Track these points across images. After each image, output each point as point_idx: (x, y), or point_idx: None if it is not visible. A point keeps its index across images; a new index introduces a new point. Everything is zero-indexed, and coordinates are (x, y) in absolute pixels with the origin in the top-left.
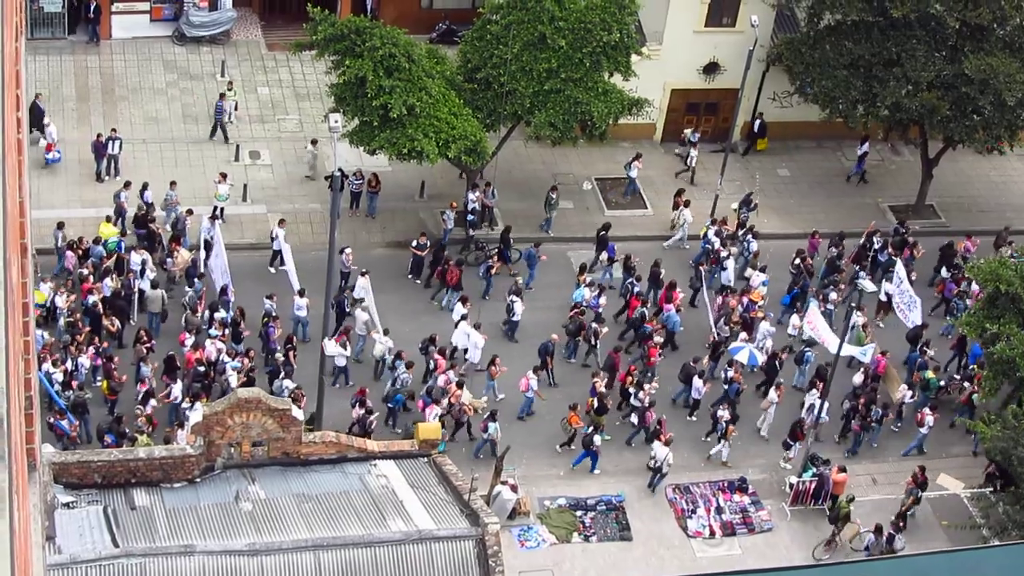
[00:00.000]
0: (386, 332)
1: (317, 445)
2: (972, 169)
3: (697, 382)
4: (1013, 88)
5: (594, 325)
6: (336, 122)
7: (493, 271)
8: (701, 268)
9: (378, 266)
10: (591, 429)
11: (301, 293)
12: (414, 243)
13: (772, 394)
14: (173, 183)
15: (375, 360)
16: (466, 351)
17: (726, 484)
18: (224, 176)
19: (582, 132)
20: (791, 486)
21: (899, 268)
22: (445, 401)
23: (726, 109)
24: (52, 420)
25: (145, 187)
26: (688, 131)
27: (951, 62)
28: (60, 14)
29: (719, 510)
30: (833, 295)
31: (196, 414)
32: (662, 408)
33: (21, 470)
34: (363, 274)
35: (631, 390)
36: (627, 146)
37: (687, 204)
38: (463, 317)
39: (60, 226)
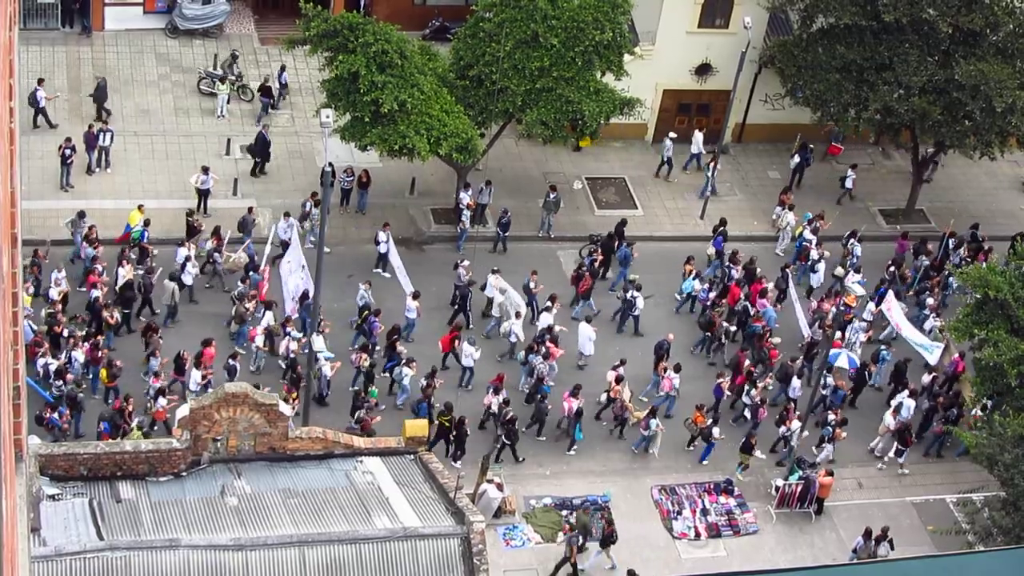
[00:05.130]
0: (517, 315)
1: (304, 441)
2: (963, 174)
3: (796, 382)
4: (1004, 94)
5: (726, 324)
6: (328, 117)
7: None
8: (788, 270)
9: (367, 263)
10: (710, 423)
11: (415, 296)
12: (531, 284)
13: (888, 418)
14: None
15: (510, 342)
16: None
17: (712, 486)
18: (206, 170)
19: (573, 131)
20: (777, 489)
21: None
22: (604, 396)
23: (718, 111)
24: (46, 414)
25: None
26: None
27: (943, 67)
28: (53, 5)
29: (704, 511)
30: (930, 300)
31: (183, 409)
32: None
33: (8, 460)
34: (494, 272)
35: (745, 386)
36: (619, 146)
37: (791, 207)
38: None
39: (81, 215)
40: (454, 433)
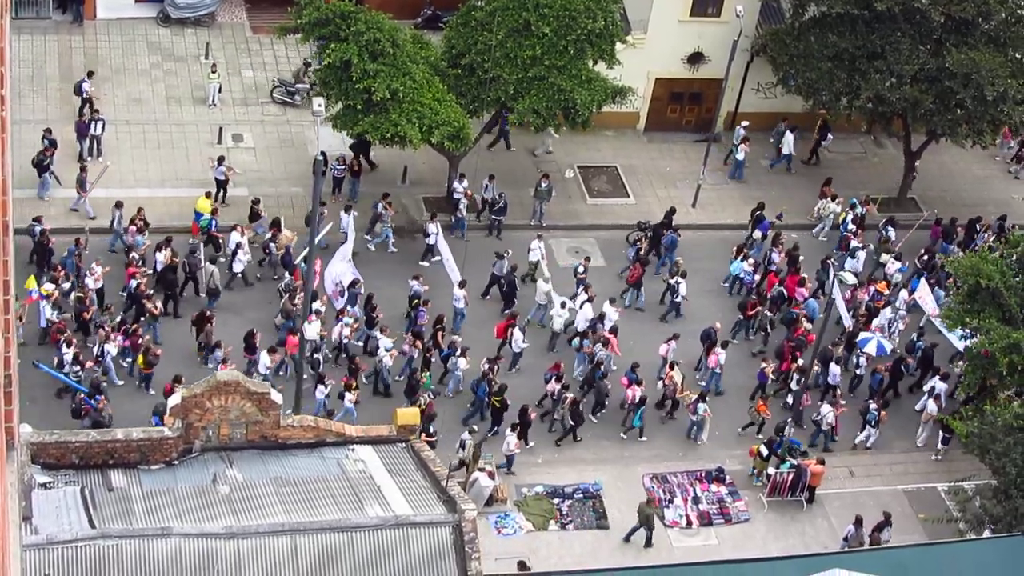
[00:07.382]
0: (563, 305)
1: (295, 429)
2: (955, 163)
3: (834, 368)
4: (995, 83)
5: (768, 314)
6: (319, 106)
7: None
8: (828, 261)
9: (359, 251)
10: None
11: (461, 285)
12: (580, 268)
13: (931, 405)
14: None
15: (552, 332)
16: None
17: (704, 474)
18: (221, 160)
19: (565, 120)
20: (768, 477)
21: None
22: (659, 384)
23: (710, 99)
24: (81, 399)
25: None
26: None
27: (935, 56)
28: None
29: (696, 500)
30: None
31: (174, 396)
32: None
33: (0, 448)
34: (539, 237)
35: (794, 375)
36: (611, 134)
37: (834, 197)
38: (587, 300)
39: (119, 205)
40: (518, 422)
